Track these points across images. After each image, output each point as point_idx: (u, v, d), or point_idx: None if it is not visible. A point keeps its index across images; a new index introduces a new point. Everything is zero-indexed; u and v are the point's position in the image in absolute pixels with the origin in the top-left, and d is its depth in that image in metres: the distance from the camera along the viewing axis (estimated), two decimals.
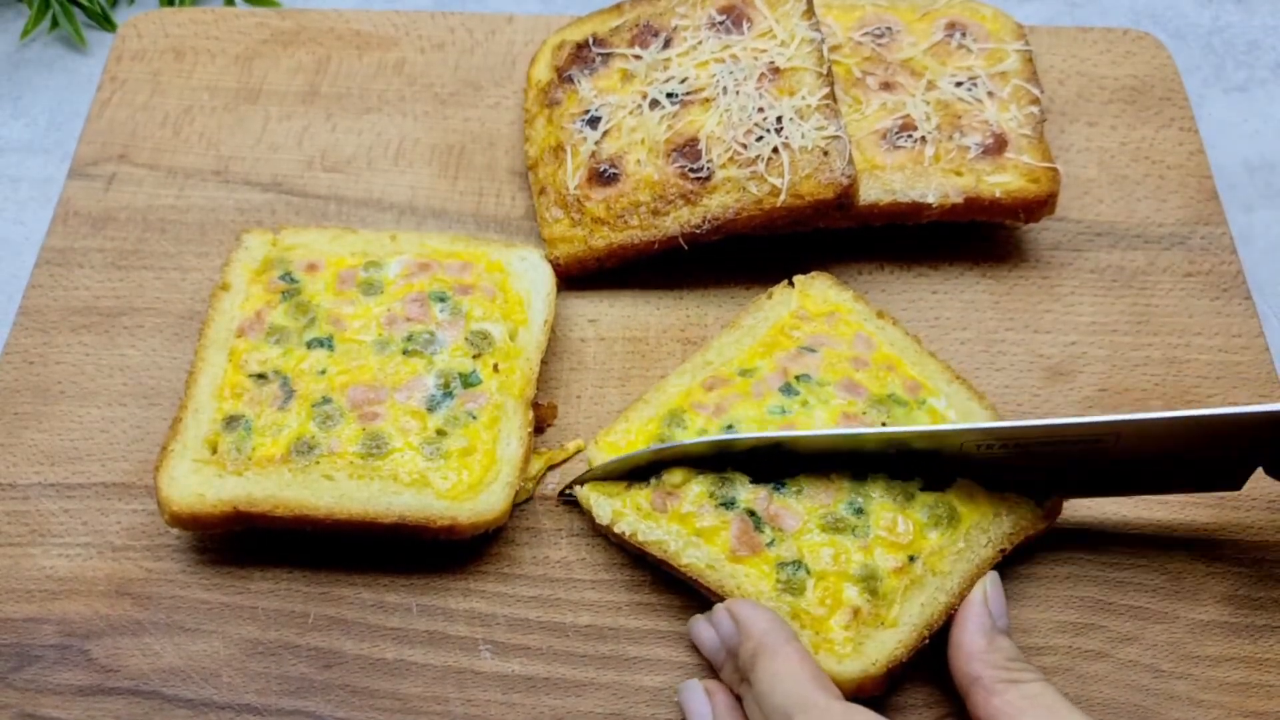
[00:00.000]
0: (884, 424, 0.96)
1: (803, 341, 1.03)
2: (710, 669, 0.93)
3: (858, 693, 0.88)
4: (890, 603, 0.90)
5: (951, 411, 0.99)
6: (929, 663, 0.92)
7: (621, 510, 0.95)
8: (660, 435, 0.98)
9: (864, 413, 0.97)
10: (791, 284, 1.08)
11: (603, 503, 0.96)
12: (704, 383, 1.02)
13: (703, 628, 0.93)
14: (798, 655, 0.84)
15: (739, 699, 0.88)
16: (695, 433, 0.97)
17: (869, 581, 0.90)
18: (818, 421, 0.96)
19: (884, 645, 0.89)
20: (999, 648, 0.87)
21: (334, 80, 1.29)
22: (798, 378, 1.00)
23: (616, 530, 0.95)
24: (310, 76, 1.29)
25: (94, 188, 1.21)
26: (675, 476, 0.95)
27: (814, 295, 1.08)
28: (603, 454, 0.99)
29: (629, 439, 1.00)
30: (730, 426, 0.96)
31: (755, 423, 0.97)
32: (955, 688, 0.87)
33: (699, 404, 0.99)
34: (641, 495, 0.95)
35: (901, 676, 0.90)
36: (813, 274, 1.09)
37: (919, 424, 0.97)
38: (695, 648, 0.94)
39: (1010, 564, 0.97)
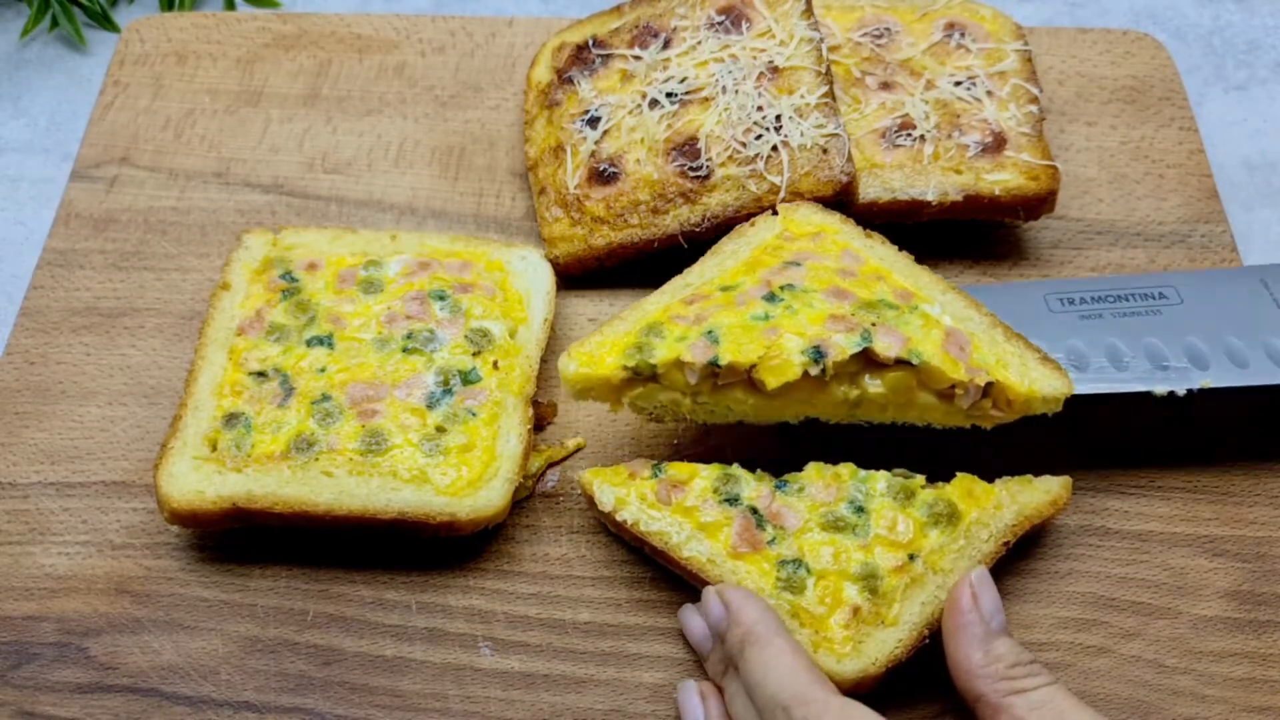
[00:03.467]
0: (873, 324, 0.91)
1: (787, 257, 0.99)
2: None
3: (855, 690, 0.87)
4: (891, 601, 0.90)
5: (947, 317, 0.94)
6: (928, 658, 0.91)
7: (625, 498, 0.95)
8: (638, 344, 0.94)
9: (852, 314, 0.92)
10: (775, 213, 1.06)
11: (606, 489, 0.95)
12: (684, 299, 0.98)
13: (692, 616, 0.92)
14: (790, 647, 0.83)
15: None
16: (674, 340, 0.93)
17: (869, 580, 0.90)
18: (802, 324, 0.92)
19: (884, 644, 0.88)
20: (997, 656, 0.83)
21: (335, 83, 1.30)
22: (782, 287, 0.95)
23: (618, 518, 0.94)
24: (311, 79, 1.30)
25: (96, 190, 1.21)
26: (681, 470, 0.95)
27: (798, 219, 1.04)
28: (575, 364, 0.94)
29: (603, 350, 0.95)
30: (710, 333, 0.92)
31: (738, 329, 0.92)
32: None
33: (678, 315, 0.95)
34: (646, 485, 0.95)
35: (899, 671, 0.90)
36: (797, 203, 1.06)
37: (912, 327, 0.92)
38: None
39: (1011, 559, 0.96)
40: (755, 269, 0.98)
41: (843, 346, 0.90)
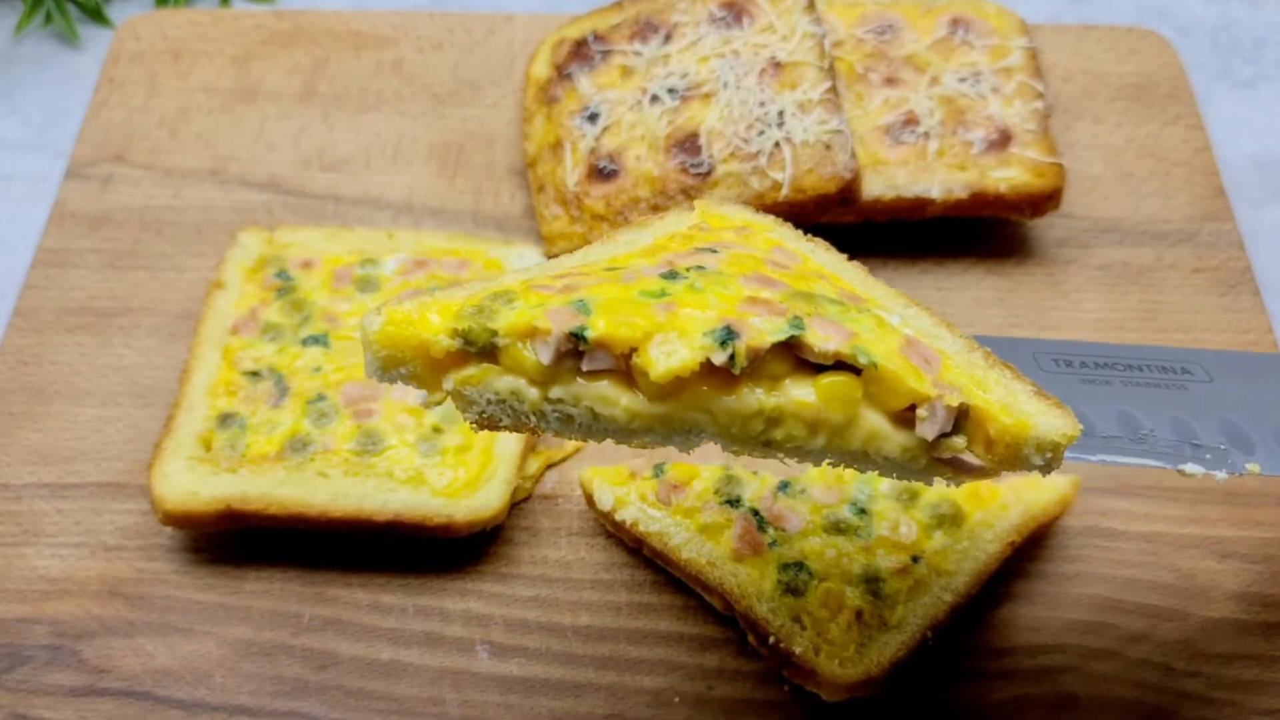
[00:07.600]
0: (807, 313, 0.67)
1: (701, 245, 0.75)
2: (706, 669, 0.92)
3: (858, 692, 0.86)
4: (894, 604, 0.89)
5: (908, 328, 0.70)
6: (930, 659, 0.90)
7: (624, 498, 0.94)
8: (480, 306, 0.67)
9: (780, 300, 0.68)
10: (692, 207, 0.83)
11: (605, 489, 0.94)
12: (555, 274, 0.72)
13: None
14: None
15: None
16: (529, 307, 0.66)
17: (872, 583, 0.89)
18: (710, 302, 0.66)
19: (886, 646, 0.88)
20: None
21: (331, 80, 1.28)
22: (689, 268, 0.70)
23: (617, 518, 0.93)
24: (307, 77, 1.29)
25: (90, 188, 1.20)
26: (682, 470, 0.94)
27: (721, 212, 0.81)
28: (383, 320, 0.67)
29: (429, 309, 0.67)
30: (580, 301, 0.66)
31: (619, 302, 0.66)
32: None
33: (541, 285, 0.69)
34: (646, 485, 0.94)
35: (904, 673, 0.88)
36: (721, 201, 0.84)
37: (861, 325, 0.67)
38: (696, 649, 0.93)
39: (1019, 563, 0.95)
40: (656, 253, 0.75)
41: (762, 330, 0.64)
